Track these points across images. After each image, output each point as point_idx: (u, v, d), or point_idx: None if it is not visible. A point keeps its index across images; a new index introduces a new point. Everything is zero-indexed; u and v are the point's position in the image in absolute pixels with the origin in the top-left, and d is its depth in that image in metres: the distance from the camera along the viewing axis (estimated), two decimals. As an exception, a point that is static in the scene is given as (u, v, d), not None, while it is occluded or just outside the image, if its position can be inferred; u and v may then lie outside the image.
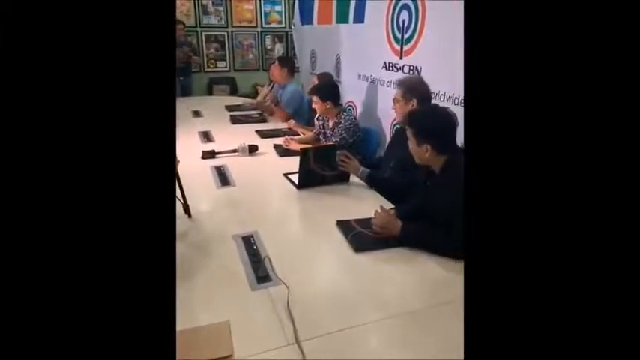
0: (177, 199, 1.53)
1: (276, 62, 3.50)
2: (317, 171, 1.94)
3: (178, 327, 1.03)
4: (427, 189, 1.54)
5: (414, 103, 1.89)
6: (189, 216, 1.62)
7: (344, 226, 1.53)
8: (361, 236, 1.45)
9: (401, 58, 2.52)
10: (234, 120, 3.33)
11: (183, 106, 3.81)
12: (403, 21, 2.46)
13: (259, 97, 3.88)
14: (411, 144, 1.50)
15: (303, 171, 1.91)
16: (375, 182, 1.92)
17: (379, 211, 1.48)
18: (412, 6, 2.35)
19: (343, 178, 2.00)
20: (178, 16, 5.35)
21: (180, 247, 1.43)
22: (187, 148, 2.45)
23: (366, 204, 1.77)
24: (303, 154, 1.91)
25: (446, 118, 1.44)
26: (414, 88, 1.91)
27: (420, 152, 1.46)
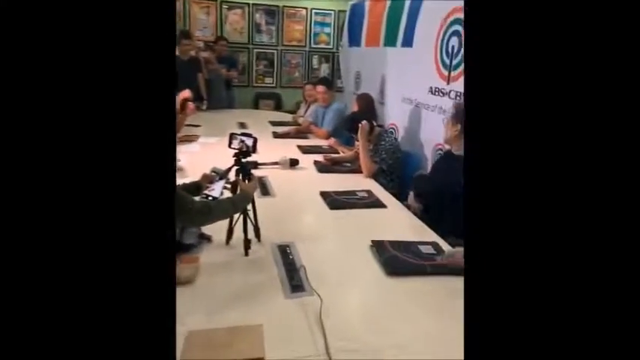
0: (250, 221, 1.50)
1: (320, 84, 3.60)
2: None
3: (213, 324, 1.07)
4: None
5: (457, 129, 1.91)
6: (259, 239, 1.54)
7: (379, 247, 1.52)
8: (395, 260, 1.44)
9: (448, 84, 2.52)
10: (277, 134, 3.43)
11: (230, 117, 3.98)
12: (452, 47, 2.46)
13: (298, 114, 4.02)
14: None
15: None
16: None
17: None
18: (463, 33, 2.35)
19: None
20: (233, 33, 5.62)
21: (223, 249, 1.48)
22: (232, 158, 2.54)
23: (402, 226, 1.78)
24: None
25: None
26: (460, 113, 1.92)
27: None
